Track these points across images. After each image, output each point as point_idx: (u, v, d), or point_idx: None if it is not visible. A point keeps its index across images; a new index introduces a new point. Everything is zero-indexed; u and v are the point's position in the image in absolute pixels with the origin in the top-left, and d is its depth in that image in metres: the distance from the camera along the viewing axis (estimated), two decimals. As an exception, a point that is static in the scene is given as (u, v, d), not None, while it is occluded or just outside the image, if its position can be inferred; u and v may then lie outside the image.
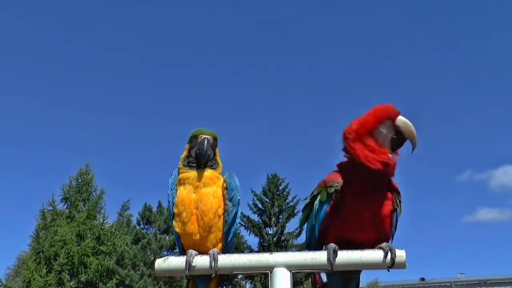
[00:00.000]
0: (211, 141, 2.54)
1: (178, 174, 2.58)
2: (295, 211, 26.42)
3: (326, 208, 2.32)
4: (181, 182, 2.55)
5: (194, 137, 2.57)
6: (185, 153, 2.60)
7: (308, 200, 2.45)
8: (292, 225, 26.85)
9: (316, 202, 2.37)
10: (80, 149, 38.45)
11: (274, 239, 25.98)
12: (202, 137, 2.53)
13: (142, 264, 21.45)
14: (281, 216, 26.78)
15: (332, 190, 2.29)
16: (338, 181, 2.32)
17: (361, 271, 2.54)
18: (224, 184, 2.56)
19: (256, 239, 26.44)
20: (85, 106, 41.35)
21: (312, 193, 2.43)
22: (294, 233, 26.13)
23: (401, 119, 2.21)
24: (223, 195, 2.55)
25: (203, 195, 2.49)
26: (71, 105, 41.77)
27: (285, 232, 26.28)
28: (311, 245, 2.49)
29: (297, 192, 27.46)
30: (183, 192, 2.52)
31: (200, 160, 2.51)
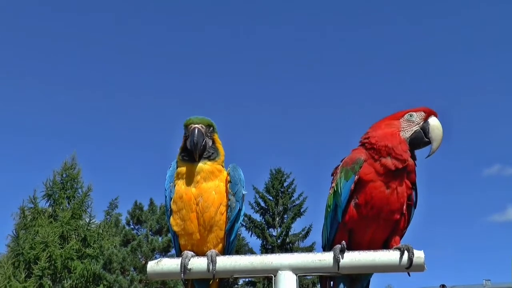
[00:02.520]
0: (204, 130, 2.55)
1: (177, 167, 2.60)
2: (301, 210, 26.50)
3: (350, 184, 2.43)
4: (179, 176, 2.57)
5: (185, 127, 2.59)
6: (182, 145, 2.62)
7: (334, 188, 2.52)
8: (298, 225, 26.94)
9: (341, 180, 2.47)
10: (65, 139, 38.46)
11: (278, 241, 26.08)
12: (192, 127, 2.54)
13: (132, 269, 21.60)
14: (286, 216, 26.85)
15: (357, 167, 2.41)
16: (361, 156, 2.44)
17: (371, 274, 2.59)
18: (228, 178, 2.59)
19: (259, 241, 26.57)
20: (71, 91, 41.33)
21: (339, 177, 2.51)
22: (301, 235, 26.23)
23: (434, 119, 2.41)
24: (226, 190, 2.57)
25: (204, 190, 2.52)
26: (55, 89, 41.73)
27: (290, 233, 26.36)
28: (332, 232, 2.56)
29: (304, 189, 27.50)
30: (182, 186, 2.54)
31: (192, 153, 2.52)
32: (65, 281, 19.55)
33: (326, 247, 2.60)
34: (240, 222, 2.68)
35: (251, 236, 27.00)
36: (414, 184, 2.48)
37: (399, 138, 2.39)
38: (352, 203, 2.43)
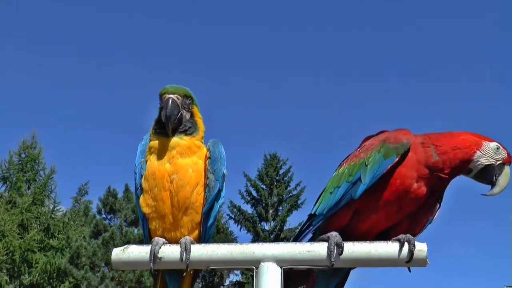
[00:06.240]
0: (180, 101, 2.61)
1: (150, 141, 2.67)
2: (298, 202, 26.72)
3: (388, 164, 2.48)
4: (152, 151, 2.64)
5: (160, 97, 2.65)
6: (157, 117, 2.68)
7: (365, 161, 2.56)
8: (294, 219, 27.17)
9: (378, 156, 2.52)
10: (23, 114, 38.23)
11: (271, 236, 26.33)
12: (166, 97, 2.60)
13: (103, 264, 21.76)
14: (280, 208, 27.07)
15: (401, 150, 2.48)
16: (409, 140, 2.51)
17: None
18: (208, 154, 2.64)
19: (249, 236, 26.85)
20: (29, 57, 40.85)
21: (377, 151, 2.56)
22: (297, 230, 26.38)
23: (509, 168, 2.57)
24: (205, 168, 2.63)
25: (179, 167, 2.58)
26: (9, 55, 41.25)
27: (285, 228, 26.62)
28: (337, 205, 2.59)
29: (302, 178, 27.68)
30: (154, 162, 2.60)
31: (165, 126, 2.58)
32: (25, 276, 19.66)
33: (319, 217, 2.64)
34: (220, 204, 2.74)
35: (240, 230, 27.25)
36: (439, 199, 2.62)
37: (469, 155, 2.49)
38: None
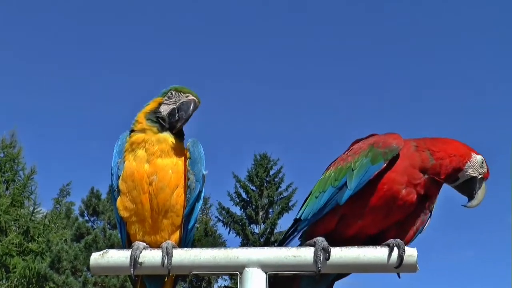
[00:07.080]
0: (197, 106, 2.70)
1: (130, 137, 2.67)
2: (290, 204, 26.69)
3: (375, 170, 2.50)
4: (133, 147, 2.65)
5: (176, 92, 2.71)
6: (150, 107, 2.71)
7: (351, 166, 2.58)
8: (285, 222, 27.14)
9: (365, 160, 2.54)
10: (2, 112, 37.90)
11: (261, 239, 26.29)
12: (190, 98, 2.70)
13: (85, 269, 21.64)
14: (271, 210, 27.06)
15: (389, 155, 2.50)
16: (399, 145, 2.53)
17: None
18: (187, 154, 2.67)
19: (238, 239, 26.78)
20: (10, 53, 40.56)
21: (364, 155, 2.57)
22: (287, 233, 26.49)
23: (485, 184, 2.68)
24: (185, 170, 2.65)
25: (159, 168, 2.59)
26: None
27: (276, 231, 26.60)
28: (322, 210, 2.60)
29: (294, 179, 27.68)
30: (132, 162, 2.61)
31: (177, 122, 2.65)
32: (2, 281, 19.51)
33: (304, 222, 2.66)
34: (201, 206, 2.77)
35: (229, 233, 27.19)
36: (430, 208, 2.66)
37: (462, 164, 2.58)
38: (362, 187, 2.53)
